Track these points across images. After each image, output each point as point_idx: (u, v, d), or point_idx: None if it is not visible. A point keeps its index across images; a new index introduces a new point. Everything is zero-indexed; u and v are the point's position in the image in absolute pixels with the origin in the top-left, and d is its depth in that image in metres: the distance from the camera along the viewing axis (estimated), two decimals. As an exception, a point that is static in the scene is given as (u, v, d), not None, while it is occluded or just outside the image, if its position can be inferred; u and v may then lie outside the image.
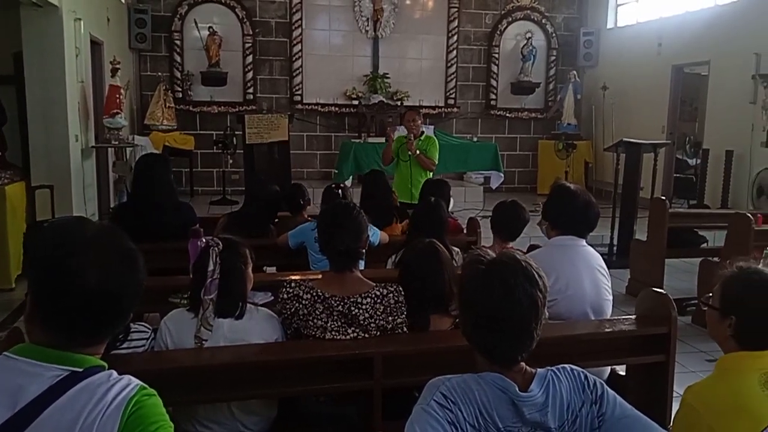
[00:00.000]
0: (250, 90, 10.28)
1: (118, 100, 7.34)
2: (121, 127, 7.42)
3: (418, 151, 5.46)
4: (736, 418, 1.60)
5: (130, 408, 1.17)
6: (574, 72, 10.91)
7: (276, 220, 4.31)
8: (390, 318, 2.33)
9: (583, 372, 1.48)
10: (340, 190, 4.14)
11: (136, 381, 1.23)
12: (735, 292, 1.71)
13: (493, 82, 11.19)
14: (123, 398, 1.18)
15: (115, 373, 1.23)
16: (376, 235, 3.66)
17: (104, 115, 7.32)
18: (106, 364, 1.26)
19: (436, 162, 5.63)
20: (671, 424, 2.49)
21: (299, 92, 10.43)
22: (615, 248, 6.79)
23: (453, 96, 11.05)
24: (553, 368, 1.46)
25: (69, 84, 6.23)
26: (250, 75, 10.25)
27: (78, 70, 6.61)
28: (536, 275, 1.41)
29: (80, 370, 1.20)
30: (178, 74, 10.00)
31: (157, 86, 9.60)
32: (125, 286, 1.23)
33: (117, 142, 7.40)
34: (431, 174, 5.62)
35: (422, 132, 5.74)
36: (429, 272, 2.44)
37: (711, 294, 1.80)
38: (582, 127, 11.14)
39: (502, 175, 9.50)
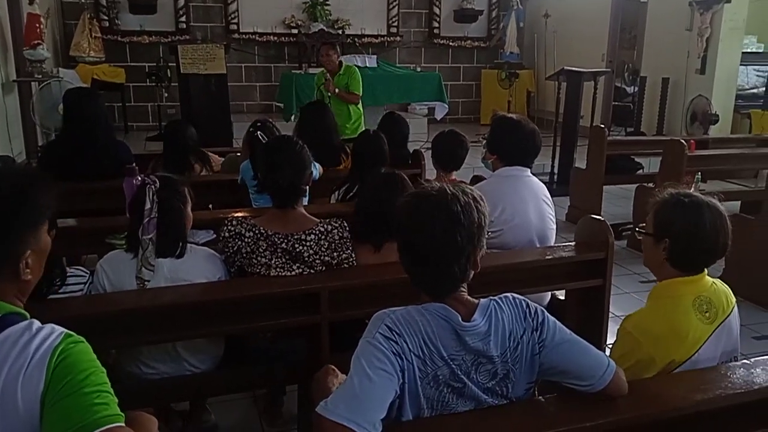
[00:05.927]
0: (183, 19, 9.73)
1: (38, 30, 6.84)
2: (43, 59, 6.96)
3: (337, 90, 5.45)
4: (673, 343, 1.68)
5: (56, 358, 1.10)
6: (517, -1, 10.79)
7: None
8: (335, 254, 2.32)
9: (524, 300, 1.51)
10: (259, 133, 3.53)
11: (59, 329, 1.16)
12: (667, 214, 1.75)
13: (436, 10, 10.95)
14: (47, 348, 1.11)
15: (37, 323, 1.16)
16: (315, 169, 3.56)
17: (24, 46, 6.83)
18: (27, 314, 1.20)
19: (360, 94, 5.57)
20: (607, 343, 2.63)
21: (235, 21, 9.95)
22: (556, 176, 6.94)
23: (395, 24, 10.77)
24: (495, 297, 1.49)
25: (-19, 12, 5.76)
26: (182, 2, 9.66)
27: (-10, -3, 6.10)
28: (471, 203, 1.41)
29: None
30: (104, 1, 9.36)
31: (81, 14, 8.95)
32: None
33: (40, 76, 6.94)
34: (360, 106, 5.58)
35: (340, 64, 5.61)
36: (389, 201, 2.40)
37: (644, 223, 1.84)
38: (524, 56, 11.11)
39: (447, 105, 9.45)
